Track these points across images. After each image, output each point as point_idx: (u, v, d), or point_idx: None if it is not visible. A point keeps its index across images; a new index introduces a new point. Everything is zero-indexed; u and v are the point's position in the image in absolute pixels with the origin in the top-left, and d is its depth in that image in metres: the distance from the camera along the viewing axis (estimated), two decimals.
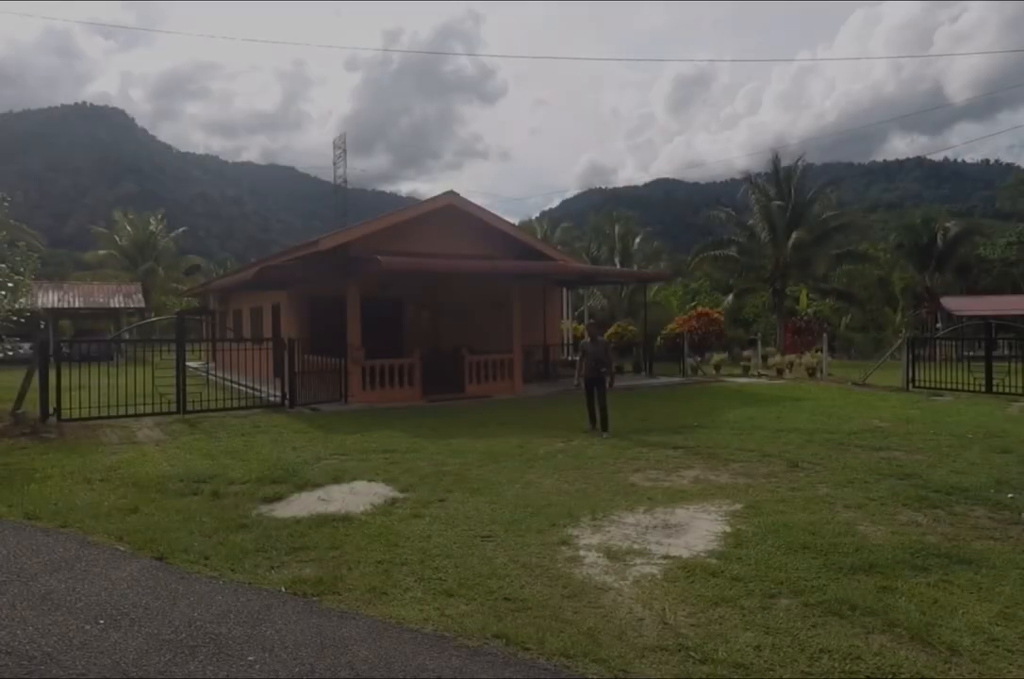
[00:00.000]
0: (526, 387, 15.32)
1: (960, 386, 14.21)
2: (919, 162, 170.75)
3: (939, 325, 30.32)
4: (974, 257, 38.04)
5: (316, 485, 6.42)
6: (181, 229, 47.97)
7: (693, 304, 34.27)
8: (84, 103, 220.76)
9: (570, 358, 18.51)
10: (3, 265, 11.92)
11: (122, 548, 4.69)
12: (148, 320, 21.47)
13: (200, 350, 21.59)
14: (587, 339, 10.00)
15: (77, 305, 31.51)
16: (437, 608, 3.63)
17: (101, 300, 32.28)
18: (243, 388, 13.59)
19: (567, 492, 6.08)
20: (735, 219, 31.07)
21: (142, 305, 32.78)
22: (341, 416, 11.48)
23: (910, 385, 15.10)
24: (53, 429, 9.98)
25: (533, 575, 4.09)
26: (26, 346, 16.78)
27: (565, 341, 20.72)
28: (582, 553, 4.48)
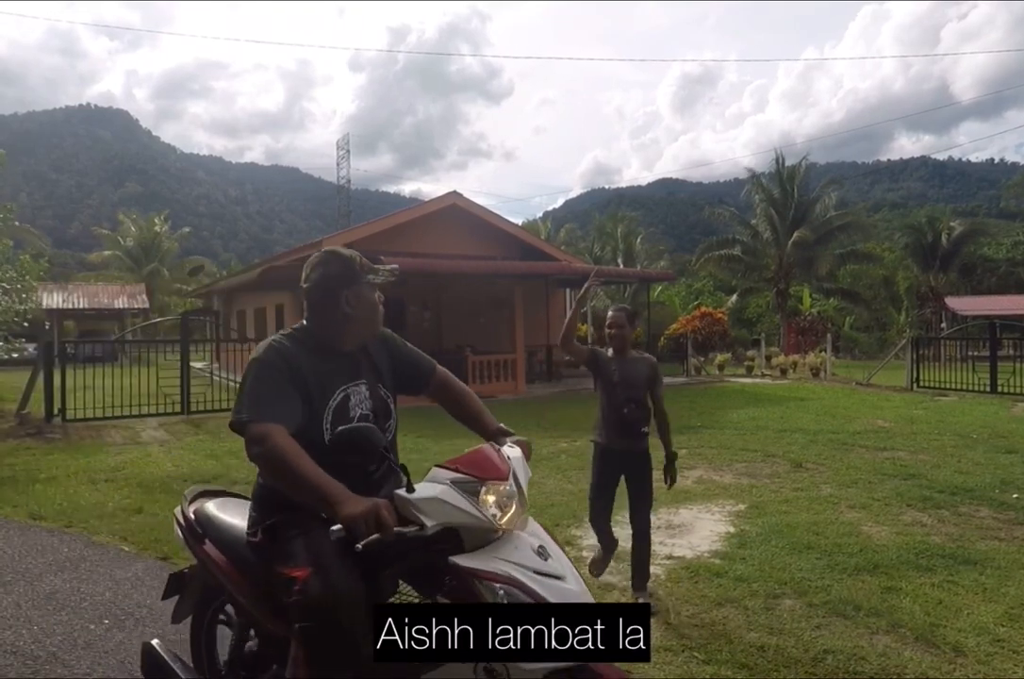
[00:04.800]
0: (529, 388, 15.31)
1: (964, 386, 14.16)
2: (923, 161, 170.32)
3: (943, 325, 30.22)
4: (979, 257, 37.91)
5: None
6: (185, 229, 48.17)
7: (696, 304, 34.23)
8: (88, 104, 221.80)
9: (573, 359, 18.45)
10: (7, 266, 11.97)
11: (126, 548, 4.70)
12: (152, 321, 21.52)
13: (204, 351, 21.60)
14: (606, 349, 3.93)
15: (81, 306, 31.61)
16: None
17: (105, 301, 32.38)
18: None
19: (571, 492, 6.07)
20: (738, 218, 31.02)
21: (146, 306, 32.87)
22: None
23: (914, 385, 15.06)
24: (58, 430, 10.01)
25: None
26: (31, 347, 16.84)
27: None
28: (585, 554, 4.47)
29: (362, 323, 2.05)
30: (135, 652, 3.15)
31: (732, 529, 4.92)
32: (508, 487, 1.76)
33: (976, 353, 17.05)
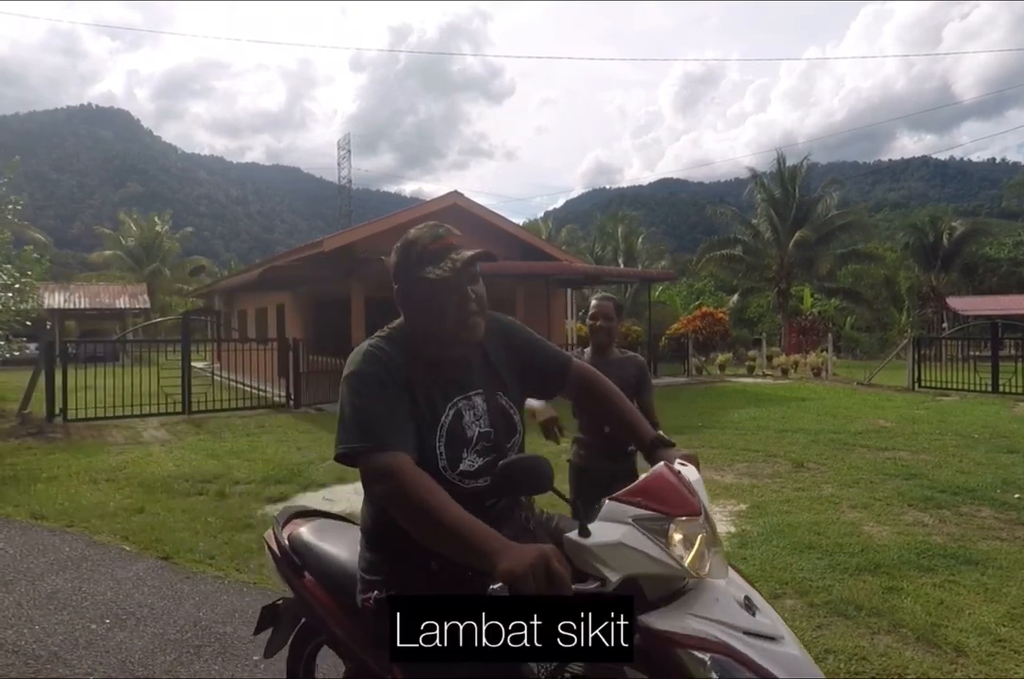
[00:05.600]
0: None
1: (966, 386, 14.15)
2: (925, 161, 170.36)
3: (945, 325, 30.20)
4: (980, 256, 37.88)
5: (321, 485, 6.42)
6: (187, 229, 48.24)
7: (697, 304, 34.24)
8: (89, 104, 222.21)
9: None
10: (8, 265, 11.97)
11: (128, 548, 4.70)
12: (153, 321, 21.54)
13: (205, 351, 21.63)
14: (589, 348, 3.48)
15: (83, 306, 31.66)
16: None
17: (107, 301, 32.43)
18: (248, 388, 13.62)
19: None
20: (740, 218, 31.03)
21: (147, 306, 32.92)
22: None
23: (916, 385, 15.05)
24: (59, 429, 10.01)
25: None
26: (32, 347, 16.87)
27: (569, 342, 20.71)
28: None
29: (432, 329, 1.55)
30: (136, 652, 3.16)
31: (733, 529, 4.92)
32: (700, 522, 1.38)
33: (978, 353, 17.02)
